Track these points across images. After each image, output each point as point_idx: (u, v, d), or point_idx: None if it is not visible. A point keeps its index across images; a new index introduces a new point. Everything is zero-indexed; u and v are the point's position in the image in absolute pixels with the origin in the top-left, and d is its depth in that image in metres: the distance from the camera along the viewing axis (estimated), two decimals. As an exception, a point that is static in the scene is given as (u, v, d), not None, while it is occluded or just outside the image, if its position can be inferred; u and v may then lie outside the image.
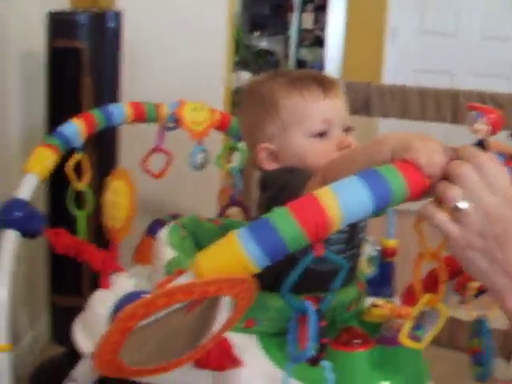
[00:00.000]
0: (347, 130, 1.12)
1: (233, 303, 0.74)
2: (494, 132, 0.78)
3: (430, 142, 0.77)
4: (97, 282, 1.36)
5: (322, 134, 1.09)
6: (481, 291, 1.13)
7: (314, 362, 0.77)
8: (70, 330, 1.63)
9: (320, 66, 5.70)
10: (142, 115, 1.58)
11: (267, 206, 1.05)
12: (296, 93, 1.09)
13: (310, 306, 0.76)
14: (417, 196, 0.75)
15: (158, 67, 2.18)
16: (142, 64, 2.13)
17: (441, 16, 4.35)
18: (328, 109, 1.09)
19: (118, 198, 1.28)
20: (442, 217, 0.75)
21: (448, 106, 2.13)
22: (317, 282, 1.03)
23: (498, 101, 2.04)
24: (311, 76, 1.12)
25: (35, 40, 1.87)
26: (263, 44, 7.03)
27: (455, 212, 0.74)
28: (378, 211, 0.73)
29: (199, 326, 0.78)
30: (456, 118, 2.13)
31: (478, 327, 1.07)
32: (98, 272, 1.32)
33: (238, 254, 0.68)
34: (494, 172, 0.73)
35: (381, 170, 0.73)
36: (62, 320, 1.94)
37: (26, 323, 2.09)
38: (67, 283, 1.91)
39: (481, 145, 0.77)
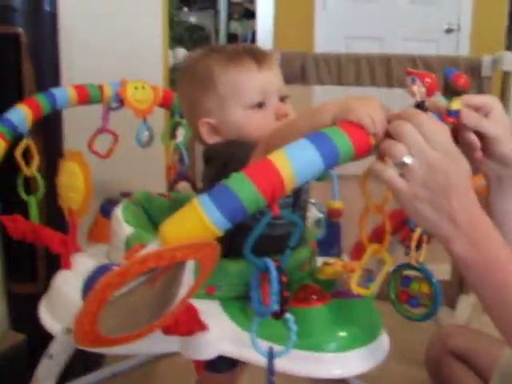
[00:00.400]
0: (283, 98, 1.16)
1: (197, 267, 0.79)
2: (429, 94, 0.84)
3: (369, 101, 0.83)
4: (52, 267, 1.38)
5: (259, 105, 1.13)
6: (420, 242, 1.20)
7: (278, 315, 0.83)
8: (28, 316, 1.65)
9: (252, 38, 5.73)
10: (86, 97, 1.59)
11: (213, 179, 1.10)
12: (231, 67, 1.13)
13: (271, 262, 0.81)
14: (362, 154, 0.81)
15: (94, 48, 2.17)
16: (79, 46, 2.12)
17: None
18: (263, 80, 1.13)
19: (74, 180, 1.29)
20: (390, 172, 0.81)
21: (381, 70, 2.21)
22: (270, 246, 1.08)
23: (428, 63, 2.13)
24: (245, 50, 1.16)
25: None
26: (192, 19, 7.00)
27: (401, 167, 0.81)
28: (327, 169, 0.78)
29: (165, 294, 0.82)
30: (389, 81, 2.21)
31: (424, 271, 1.14)
32: (57, 255, 1.34)
33: (200, 219, 0.72)
34: (432, 128, 0.80)
35: (327, 131, 0.79)
36: (19, 307, 1.96)
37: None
38: (22, 270, 1.92)
39: (420, 106, 0.83)
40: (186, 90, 1.21)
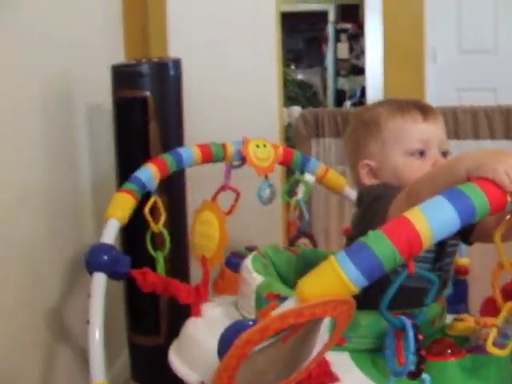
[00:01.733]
0: (444, 153, 1.21)
1: (333, 323, 0.79)
2: None
3: (507, 157, 0.82)
4: (173, 321, 1.41)
5: (419, 153, 1.19)
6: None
7: (415, 375, 0.81)
8: (148, 367, 1.70)
9: (361, 93, 5.76)
10: (209, 156, 1.65)
11: (361, 218, 1.16)
12: (398, 115, 1.21)
13: (407, 321, 0.80)
14: (499, 210, 0.80)
15: (214, 109, 2.27)
16: (200, 107, 2.22)
17: (478, 33, 4.37)
18: (425, 130, 1.20)
19: (208, 229, 1.34)
20: None
21: (500, 122, 2.17)
22: (404, 298, 1.07)
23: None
24: (413, 102, 1.25)
25: (100, 93, 1.97)
26: (300, 77, 7.13)
27: None
28: (464, 227, 0.78)
29: (298, 351, 0.83)
30: (509, 134, 2.16)
31: None
32: (181, 307, 1.38)
33: (338, 276, 0.74)
34: None
35: (463, 187, 0.79)
36: (141, 359, 2.02)
37: (106, 362, 2.16)
38: (145, 323, 1.98)
39: None
40: (352, 133, 1.29)
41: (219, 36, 2.35)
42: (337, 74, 6.63)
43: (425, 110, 1.21)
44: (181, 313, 1.44)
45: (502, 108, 2.20)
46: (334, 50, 6.69)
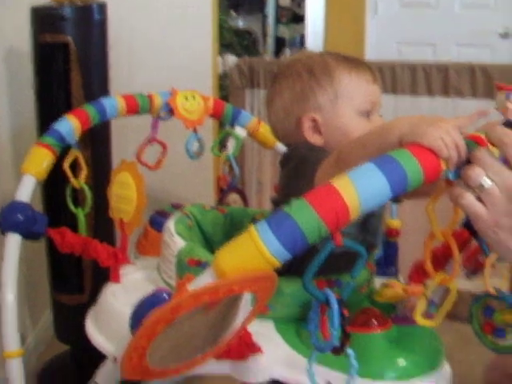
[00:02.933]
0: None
1: (254, 297, 0.74)
2: None
3: (442, 124, 0.77)
4: (98, 278, 1.35)
5: (366, 114, 1.14)
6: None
7: (339, 351, 0.77)
8: (73, 327, 1.62)
9: (300, 42, 5.68)
10: (135, 107, 1.56)
11: (287, 180, 1.09)
12: (354, 70, 1.15)
13: (332, 295, 0.75)
14: (432, 180, 0.75)
15: (143, 57, 2.16)
16: (128, 55, 2.11)
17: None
18: (375, 92, 1.16)
19: (126, 191, 1.26)
20: (469, 197, 0.75)
21: (437, 79, 2.13)
22: (330, 264, 1.03)
23: (487, 72, 2.04)
24: (361, 60, 1.20)
25: (19, 36, 1.84)
26: (240, 24, 6.98)
27: (481, 193, 0.74)
28: (395, 197, 0.73)
29: (220, 321, 0.78)
30: (446, 91, 2.13)
31: (504, 298, 1.07)
32: (105, 267, 1.31)
33: (259, 249, 0.68)
34: None
35: (395, 155, 0.73)
36: (65, 318, 1.95)
37: (29, 323, 2.08)
38: (69, 281, 1.90)
39: (510, 125, 0.76)
40: (294, 81, 1.17)
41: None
42: (277, 21, 6.51)
43: (373, 71, 1.18)
44: (105, 272, 1.36)
45: (440, 65, 2.17)
46: (276, -3, 6.56)
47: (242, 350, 0.97)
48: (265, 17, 6.78)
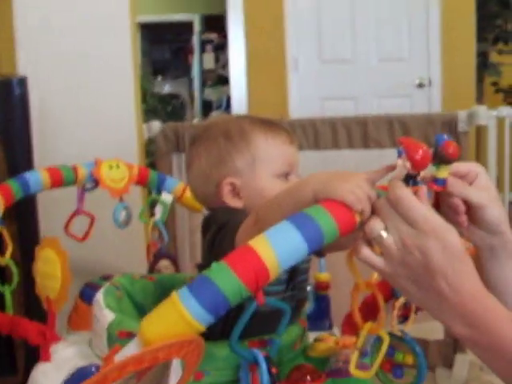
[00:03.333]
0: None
1: (182, 363, 0.74)
2: (415, 168, 0.80)
3: (353, 178, 0.80)
4: (31, 357, 1.31)
5: (284, 176, 1.14)
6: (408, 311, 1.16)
7: (271, 409, 0.77)
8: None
9: (226, 104, 5.77)
10: (59, 180, 1.56)
11: (209, 245, 1.07)
12: (270, 134, 1.15)
13: (259, 354, 0.76)
14: (347, 232, 0.78)
15: (68, 129, 2.15)
16: (51, 127, 2.10)
17: (337, 43, 4.50)
18: (292, 154, 1.16)
19: (50, 268, 1.24)
20: (365, 251, 0.78)
21: (357, 132, 2.20)
22: (259, 324, 1.03)
23: (404, 123, 2.12)
24: (276, 122, 1.19)
25: None
26: (167, 88, 7.06)
27: (378, 244, 0.77)
28: (312, 252, 0.75)
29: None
30: (366, 143, 2.20)
31: (407, 341, 1.09)
32: (35, 346, 1.28)
33: (181, 315, 0.68)
34: (408, 205, 0.76)
35: (309, 211, 0.76)
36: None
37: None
38: (1, 362, 1.83)
39: (408, 179, 0.80)
40: (211, 145, 1.16)
41: (71, 51, 2.22)
42: (203, 84, 6.62)
43: (289, 133, 1.18)
44: (38, 351, 1.32)
45: (359, 118, 2.24)
46: (200, 61, 6.69)
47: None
48: (191, 80, 6.89)
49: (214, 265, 0.70)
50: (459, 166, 0.87)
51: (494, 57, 5.07)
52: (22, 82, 1.79)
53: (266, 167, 1.13)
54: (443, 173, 0.83)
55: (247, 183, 1.13)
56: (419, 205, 0.77)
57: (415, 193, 0.78)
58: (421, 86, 4.55)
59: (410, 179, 0.79)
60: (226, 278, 0.69)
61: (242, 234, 0.92)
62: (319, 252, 1.16)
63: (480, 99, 4.69)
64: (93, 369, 0.83)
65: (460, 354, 2.34)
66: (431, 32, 4.53)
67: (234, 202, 1.13)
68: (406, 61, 4.55)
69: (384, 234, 0.77)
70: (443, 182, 0.83)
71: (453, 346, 2.35)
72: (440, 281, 0.75)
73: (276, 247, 0.71)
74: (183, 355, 0.72)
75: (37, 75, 1.93)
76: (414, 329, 1.12)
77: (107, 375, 0.66)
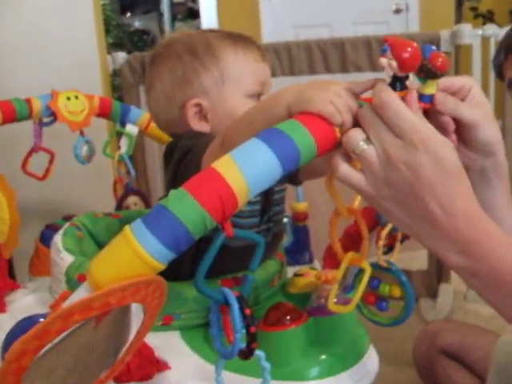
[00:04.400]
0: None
1: (143, 307, 0.64)
2: (402, 69, 0.68)
3: (331, 86, 0.69)
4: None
5: (256, 97, 1.03)
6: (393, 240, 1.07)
7: (247, 355, 0.68)
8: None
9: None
10: (12, 114, 1.42)
11: (172, 175, 0.97)
12: (240, 50, 1.03)
13: (230, 293, 0.66)
14: (327, 150, 0.67)
15: (25, 59, 2.00)
16: (6, 56, 1.95)
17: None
18: (264, 72, 1.05)
19: (-3, 209, 1.13)
20: (344, 167, 0.68)
21: (334, 56, 2.08)
22: (233, 260, 0.95)
23: (383, 43, 2.00)
24: (248, 38, 1.07)
25: None
26: (137, 24, 6.83)
27: (358, 158, 0.67)
28: (287, 173, 0.64)
29: (114, 337, 0.68)
30: (344, 67, 2.08)
31: (395, 273, 1.00)
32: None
33: (135, 252, 0.58)
34: (396, 112, 0.65)
35: (282, 127, 0.65)
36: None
37: None
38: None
39: (393, 83, 0.68)
40: (174, 63, 1.04)
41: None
42: (174, 18, 6.41)
43: (261, 49, 1.06)
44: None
45: (336, 41, 2.11)
46: (170, -6, 6.46)
47: (145, 368, 0.86)
48: (161, 15, 6.67)
49: (172, 192, 0.60)
50: (451, 80, 0.76)
51: (473, -20, 4.93)
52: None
53: (236, 86, 1.02)
54: (430, 88, 0.71)
55: (215, 104, 1.02)
56: (407, 111, 0.66)
57: (403, 98, 0.67)
58: (398, 11, 4.41)
59: (397, 83, 0.68)
60: (187, 206, 0.58)
61: (208, 159, 0.82)
62: (295, 179, 1.06)
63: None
64: (40, 319, 0.74)
65: (444, 283, 2.30)
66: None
67: (201, 126, 1.02)
68: (382, -14, 4.40)
69: (364, 145, 0.66)
70: (430, 99, 0.72)
71: (436, 275, 2.30)
72: (430, 201, 0.64)
73: (244, 168, 0.60)
74: (141, 299, 0.62)
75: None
76: (396, 259, 1.03)
77: (50, 325, 0.56)
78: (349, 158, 0.69)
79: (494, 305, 0.69)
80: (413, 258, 2.23)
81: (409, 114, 0.66)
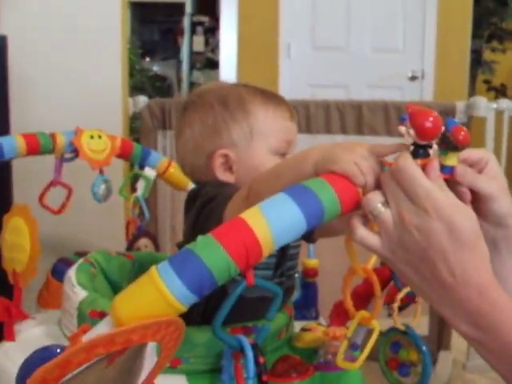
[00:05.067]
0: None
1: (159, 347, 0.66)
2: (420, 137, 0.71)
3: (356, 148, 0.72)
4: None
5: (282, 155, 1.05)
6: (404, 304, 1.08)
7: (256, 402, 0.69)
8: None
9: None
10: (36, 147, 1.46)
11: (193, 220, 0.99)
12: (270, 107, 1.05)
13: (246, 341, 0.68)
14: (350, 209, 0.70)
15: (49, 95, 2.05)
16: (32, 92, 2.00)
17: (332, 31, 4.42)
18: (291, 131, 1.07)
19: (18, 238, 1.15)
20: (361, 231, 0.70)
21: (351, 117, 2.12)
22: (244, 310, 0.96)
23: (400, 109, 2.05)
24: (279, 96, 1.10)
25: None
26: (155, 69, 6.95)
27: (374, 220, 0.69)
28: (311, 228, 0.67)
29: (126, 375, 0.69)
30: (360, 129, 2.12)
31: (412, 336, 1.02)
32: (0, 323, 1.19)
33: (160, 292, 0.60)
34: (410, 177, 0.68)
35: (309, 184, 0.68)
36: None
37: None
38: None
39: (415, 151, 0.71)
40: (205, 113, 1.07)
41: (60, 18, 2.12)
42: (192, 66, 6.52)
43: (290, 108, 1.09)
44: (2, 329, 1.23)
45: (353, 103, 2.16)
46: (190, 43, 6.58)
47: (150, 407, 0.87)
48: (179, 62, 6.79)
49: (200, 238, 0.62)
50: (470, 153, 0.79)
51: (487, 54, 5.03)
52: (2, 39, 1.68)
53: (263, 141, 1.04)
54: (452, 160, 0.74)
55: (242, 157, 1.04)
56: (423, 178, 0.68)
57: (424, 166, 0.69)
58: (413, 78, 4.48)
59: (419, 150, 0.70)
60: (213, 252, 0.61)
61: (232, 210, 0.84)
62: (310, 236, 1.08)
63: (472, 96, 4.63)
64: (57, 349, 0.75)
65: (443, 351, 2.29)
66: (427, 25, 4.46)
67: (226, 176, 1.04)
68: (399, 52, 4.48)
69: (381, 207, 0.68)
70: (451, 170, 0.75)
71: (437, 342, 2.29)
72: (442, 268, 0.66)
73: (271, 220, 0.63)
74: (160, 338, 0.63)
75: (19, 35, 1.82)
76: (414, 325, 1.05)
77: (72, 356, 0.58)
78: (367, 220, 0.71)
79: (502, 374, 0.70)
80: (415, 324, 2.22)
81: (424, 181, 0.68)
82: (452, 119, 0.72)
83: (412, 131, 0.69)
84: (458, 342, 2.31)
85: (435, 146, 0.72)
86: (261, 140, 1.04)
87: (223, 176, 1.04)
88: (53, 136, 1.49)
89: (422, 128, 0.69)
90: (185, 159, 1.11)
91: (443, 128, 0.69)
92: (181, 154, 1.12)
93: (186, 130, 1.10)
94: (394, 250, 0.68)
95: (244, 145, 1.04)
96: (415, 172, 0.68)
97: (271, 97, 1.08)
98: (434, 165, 0.70)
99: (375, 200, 0.69)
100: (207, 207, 0.94)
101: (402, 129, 0.71)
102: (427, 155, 0.70)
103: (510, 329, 0.67)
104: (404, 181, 0.68)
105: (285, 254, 1.04)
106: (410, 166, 0.68)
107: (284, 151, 1.05)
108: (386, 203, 0.69)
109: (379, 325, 0.86)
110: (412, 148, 0.70)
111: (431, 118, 0.68)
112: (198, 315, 0.96)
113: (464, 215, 0.68)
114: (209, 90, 1.11)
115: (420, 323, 2.30)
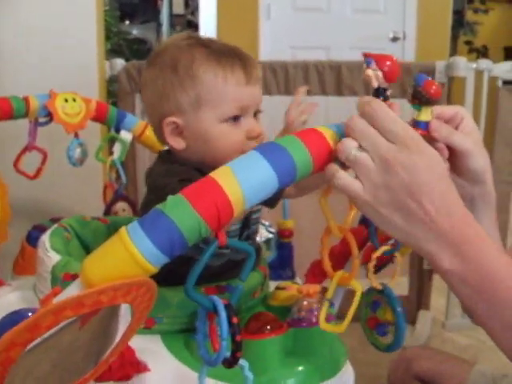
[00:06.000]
0: (256, 113, 1.04)
1: (131, 309, 0.65)
2: (388, 79, 0.72)
3: None
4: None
5: (233, 119, 1.01)
6: (382, 264, 1.08)
7: (231, 363, 0.69)
8: None
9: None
10: (8, 111, 1.43)
11: (143, 209, 1.00)
12: (219, 72, 0.99)
13: (219, 301, 0.67)
14: (324, 164, 0.69)
15: (25, 60, 2.01)
16: (4, 53, 1.96)
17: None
18: (247, 96, 1.01)
19: (-13, 204, 1.14)
20: (341, 174, 0.69)
21: (331, 78, 2.11)
22: (219, 271, 0.97)
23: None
24: (236, 54, 1.02)
25: None
26: (135, 32, 6.86)
27: (354, 166, 0.69)
28: (285, 185, 0.66)
29: (101, 337, 0.68)
30: (339, 90, 2.11)
31: (387, 296, 1.02)
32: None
33: (130, 253, 0.59)
34: (387, 117, 0.68)
35: (281, 141, 0.67)
36: None
37: None
38: None
39: (377, 94, 0.71)
40: (156, 78, 1.03)
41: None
42: (172, 29, 6.43)
43: (248, 69, 1.01)
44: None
45: (332, 63, 2.14)
46: (170, 6, 6.49)
47: (125, 369, 0.87)
48: (159, 25, 6.70)
49: (170, 197, 0.61)
50: (444, 109, 0.79)
51: (470, 15, 5.00)
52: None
53: (211, 110, 1.00)
54: (425, 115, 0.74)
55: (190, 124, 1.01)
56: (398, 117, 0.68)
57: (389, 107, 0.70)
58: (395, 39, 4.46)
59: (383, 93, 0.71)
60: (184, 212, 0.60)
61: None
62: (271, 201, 1.05)
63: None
64: (29, 313, 0.74)
65: (423, 310, 2.31)
66: (408, -15, 4.43)
67: (177, 142, 1.02)
68: (381, 13, 4.45)
69: (358, 152, 0.68)
70: (426, 126, 0.75)
71: (416, 302, 2.32)
72: (426, 202, 0.66)
73: (242, 180, 0.62)
74: (131, 300, 0.63)
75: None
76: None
77: (41, 319, 0.57)
78: (343, 169, 0.71)
79: (480, 315, 0.70)
80: (394, 284, 2.24)
81: (399, 119, 0.68)
82: (421, 75, 0.73)
83: (380, 73, 0.70)
84: (437, 301, 2.35)
85: None
86: (208, 108, 1.00)
87: (174, 142, 1.02)
88: (26, 99, 1.46)
89: (389, 68, 0.70)
90: (148, 116, 1.10)
91: (414, 83, 0.70)
92: (146, 109, 1.10)
93: (143, 88, 1.07)
94: (376, 193, 0.68)
95: (191, 113, 1.00)
96: (389, 112, 0.69)
97: (228, 60, 1.01)
98: (398, 105, 0.72)
99: (349, 146, 0.68)
100: (152, 195, 0.98)
101: (370, 71, 0.71)
102: (388, 98, 0.72)
103: (492, 258, 0.68)
104: (380, 121, 0.68)
105: (248, 219, 1.04)
106: (383, 106, 0.69)
107: (237, 116, 1.01)
108: (361, 148, 0.68)
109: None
110: (373, 93, 0.71)
111: (394, 59, 0.71)
112: (170, 275, 0.95)
113: (435, 151, 0.69)
114: (165, 50, 1.05)
115: (400, 283, 2.33)
